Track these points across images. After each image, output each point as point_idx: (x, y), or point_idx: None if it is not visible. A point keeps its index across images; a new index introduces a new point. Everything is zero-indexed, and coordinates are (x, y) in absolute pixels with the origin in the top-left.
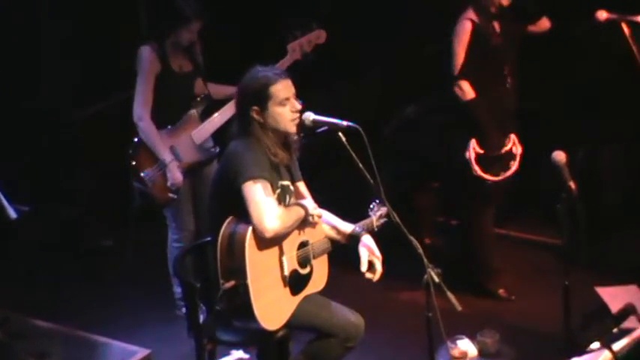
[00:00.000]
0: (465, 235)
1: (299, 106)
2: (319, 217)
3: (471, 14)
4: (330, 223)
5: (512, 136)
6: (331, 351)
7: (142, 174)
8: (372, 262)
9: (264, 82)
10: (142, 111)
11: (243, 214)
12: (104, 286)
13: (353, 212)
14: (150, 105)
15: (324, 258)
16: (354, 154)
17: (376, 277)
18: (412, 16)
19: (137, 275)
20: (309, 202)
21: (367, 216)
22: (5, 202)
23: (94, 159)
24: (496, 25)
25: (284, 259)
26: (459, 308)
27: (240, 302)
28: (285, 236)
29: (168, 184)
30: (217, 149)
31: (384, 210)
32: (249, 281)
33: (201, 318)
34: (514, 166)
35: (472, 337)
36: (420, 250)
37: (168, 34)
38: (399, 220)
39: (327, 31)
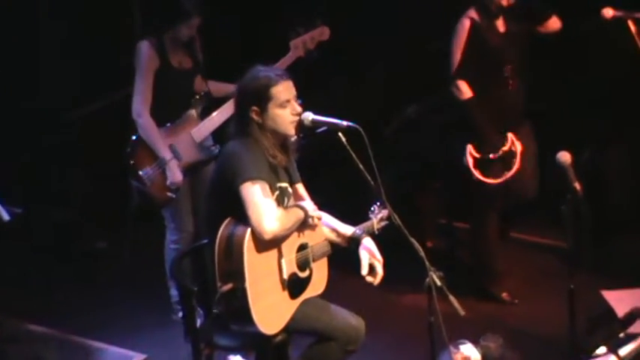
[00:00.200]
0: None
1: (299, 109)
2: (319, 219)
3: (472, 13)
4: (330, 226)
5: (510, 136)
6: (332, 355)
7: (140, 172)
8: (373, 266)
9: (265, 83)
10: (141, 107)
11: (241, 215)
12: (99, 289)
13: (353, 214)
14: (149, 101)
15: (324, 261)
16: (354, 155)
17: (377, 280)
18: (416, 13)
19: (133, 278)
20: (308, 204)
21: (368, 218)
22: None
23: (90, 160)
24: (500, 26)
25: (283, 261)
26: (462, 312)
27: (238, 306)
28: (284, 239)
29: (168, 183)
30: (217, 148)
31: (384, 212)
32: (248, 284)
33: (199, 322)
34: (515, 165)
35: (475, 342)
36: (422, 253)
37: (167, 30)
38: (401, 222)
39: (330, 27)
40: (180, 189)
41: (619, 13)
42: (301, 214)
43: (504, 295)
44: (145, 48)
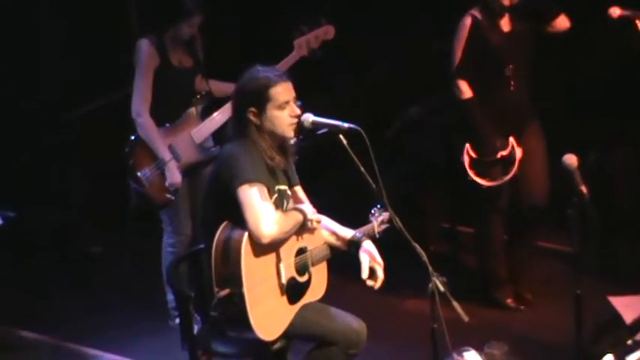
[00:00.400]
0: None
1: (298, 111)
2: (318, 222)
3: (475, 11)
4: (330, 229)
5: (512, 140)
6: (333, 359)
7: (138, 173)
8: (374, 269)
9: (264, 84)
10: (140, 107)
11: (238, 219)
12: (95, 294)
13: (353, 217)
14: (149, 100)
15: (324, 265)
16: (355, 158)
17: (377, 284)
18: (421, 12)
19: (129, 282)
20: (307, 206)
21: (368, 221)
22: None
23: (89, 160)
24: (504, 25)
25: (281, 266)
26: (466, 319)
27: (235, 312)
28: (282, 242)
29: (167, 184)
30: (218, 149)
31: (385, 215)
32: (245, 289)
33: (196, 328)
34: (512, 171)
35: (479, 349)
36: (425, 258)
37: (168, 28)
38: (403, 225)
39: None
40: (179, 191)
41: (626, 13)
42: (300, 217)
43: (509, 301)
44: (144, 46)
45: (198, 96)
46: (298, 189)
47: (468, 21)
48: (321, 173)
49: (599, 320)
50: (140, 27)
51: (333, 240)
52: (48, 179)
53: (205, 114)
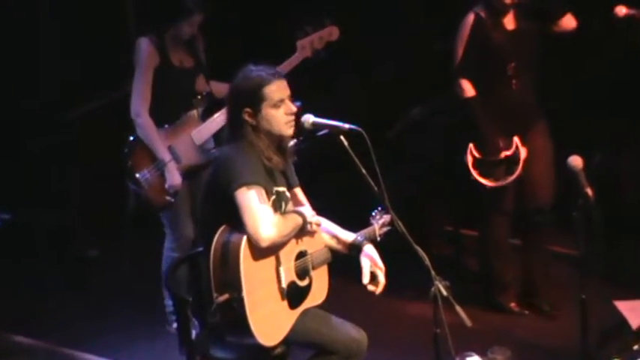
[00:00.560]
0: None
1: (294, 109)
2: (318, 225)
3: (478, 8)
4: (330, 232)
5: (516, 140)
6: None
7: (137, 175)
8: (375, 274)
9: (258, 83)
10: (139, 107)
11: (236, 222)
12: (91, 298)
13: (354, 220)
14: (148, 101)
15: (324, 269)
16: (356, 159)
17: (379, 289)
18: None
19: (127, 286)
20: (307, 209)
21: (369, 224)
22: None
23: (87, 160)
24: (508, 23)
25: (281, 270)
26: (469, 323)
27: (234, 317)
28: (282, 246)
29: (166, 185)
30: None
31: (386, 218)
32: (245, 294)
33: (194, 333)
34: (517, 171)
35: (482, 354)
36: (427, 261)
37: (167, 27)
38: (405, 228)
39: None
40: (179, 193)
41: (632, 12)
42: (299, 219)
43: (513, 305)
44: (144, 45)
45: (199, 97)
46: (298, 191)
47: (470, 18)
48: (321, 175)
49: (605, 325)
50: (138, 26)
51: (333, 243)
52: (45, 180)
53: (206, 115)
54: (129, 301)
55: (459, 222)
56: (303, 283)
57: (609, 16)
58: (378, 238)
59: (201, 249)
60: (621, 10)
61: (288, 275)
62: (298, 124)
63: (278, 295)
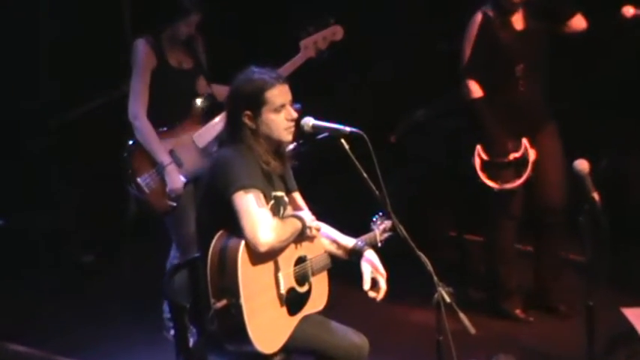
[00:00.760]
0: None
1: (295, 115)
2: (318, 230)
3: (486, 8)
4: (330, 237)
5: (525, 141)
6: None
7: (138, 179)
8: (376, 280)
9: (260, 86)
10: (137, 109)
11: (234, 227)
12: (87, 304)
13: (354, 225)
14: (146, 102)
15: (324, 275)
16: (357, 162)
17: (380, 295)
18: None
19: (125, 292)
20: (306, 213)
21: (370, 229)
22: None
23: (84, 165)
24: (517, 23)
25: (280, 275)
26: (473, 331)
27: (233, 323)
28: (280, 251)
29: (167, 189)
30: None
31: (388, 223)
32: (243, 300)
33: (191, 341)
34: (526, 173)
35: None
36: (430, 267)
37: (164, 27)
38: (407, 233)
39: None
40: (181, 197)
41: (639, 12)
42: (299, 224)
43: (518, 312)
44: (141, 46)
45: (201, 98)
46: (296, 195)
47: (478, 18)
48: (321, 178)
49: (612, 332)
50: (133, 27)
51: (333, 249)
52: (45, 181)
53: (208, 117)
54: (126, 307)
55: (463, 227)
56: (302, 289)
57: (617, 16)
58: (380, 244)
59: (197, 255)
60: (629, 11)
61: (287, 281)
62: (297, 127)
63: (277, 302)
